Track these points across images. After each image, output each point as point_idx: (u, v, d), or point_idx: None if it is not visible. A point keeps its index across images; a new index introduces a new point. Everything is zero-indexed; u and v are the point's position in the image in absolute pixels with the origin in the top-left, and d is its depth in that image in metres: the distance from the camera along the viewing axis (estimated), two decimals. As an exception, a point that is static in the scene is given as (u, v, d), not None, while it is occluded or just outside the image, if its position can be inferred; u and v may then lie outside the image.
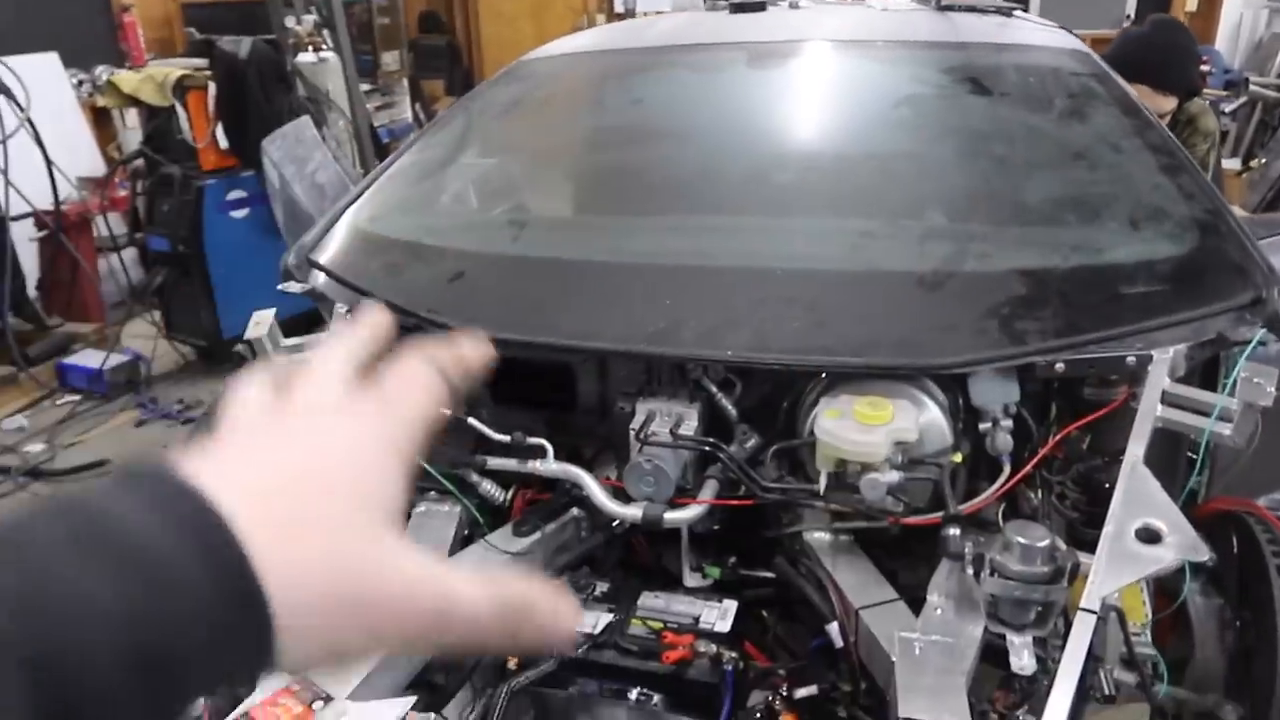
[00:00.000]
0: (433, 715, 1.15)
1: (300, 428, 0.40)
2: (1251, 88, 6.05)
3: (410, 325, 1.65)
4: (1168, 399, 1.35)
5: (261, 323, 1.74)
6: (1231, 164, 5.74)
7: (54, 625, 0.29)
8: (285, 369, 0.44)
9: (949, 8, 2.48)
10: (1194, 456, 1.48)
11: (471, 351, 0.48)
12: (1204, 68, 5.36)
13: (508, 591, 0.40)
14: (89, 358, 4.26)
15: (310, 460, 0.38)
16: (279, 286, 1.86)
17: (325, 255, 1.87)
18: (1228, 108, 5.85)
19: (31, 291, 4.56)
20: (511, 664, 1.38)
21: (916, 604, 1.34)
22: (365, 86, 5.74)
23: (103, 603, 0.30)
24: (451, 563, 0.44)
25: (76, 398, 4.16)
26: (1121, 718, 1.37)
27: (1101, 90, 1.99)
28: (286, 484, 0.36)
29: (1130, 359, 1.37)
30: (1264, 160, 5.49)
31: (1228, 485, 1.70)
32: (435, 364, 0.45)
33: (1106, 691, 1.21)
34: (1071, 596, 1.26)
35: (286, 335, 1.83)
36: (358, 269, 1.80)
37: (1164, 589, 1.49)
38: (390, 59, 6.46)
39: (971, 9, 2.51)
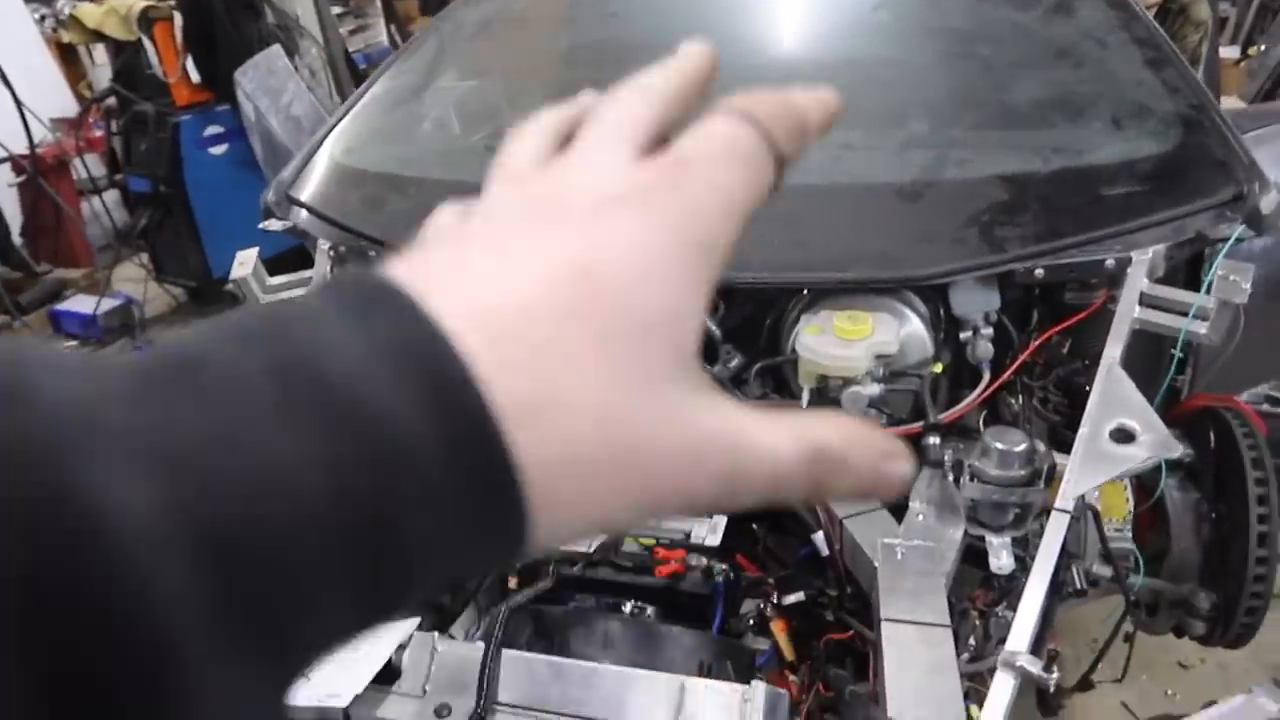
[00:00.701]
0: (436, 634, 1.20)
1: (562, 217, 0.29)
2: (1250, -30, 5.87)
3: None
4: (1145, 300, 1.36)
5: (245, 263, 1.74)
6: (1230, 52, 5.62)
7: (238, 494, 0.21)
8: (568, 119, 0.34)
9: (930, -99, 2.39)
10: (1177, 354, 1.50)
11: (813, 106, 0.34)
12: (1200, -50, 5.19)
13: (819, 438, 0.31)
14: (81, 303, 4.25)
15: (575, 269, 0.27)
16: (260, 225, 1.86)
17: (305, 191, 1.85)
18: (1225, -8, 5.68)
19: (17, 239, 4.52)
20: (511, 583, 1.43)
21: (900, 512, 1.38)
22: (336, 10, 5.58)
23: (306, 471, 0.22)
24: (751, 409, 0.30)
25: (72, 344, 4.18)
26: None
27: (1086, -18, 1.94)
28: (542, 304, 0.26)
29: (1109, 262, 1.38)
30: (1263, 47, 5.37)
31: (1211, 382, 1.72)
32: (757, 122, 0.31)
33: (1079, 586, 1.26)
34: (1050, 497, 1.30)
35: (273, 274, 1.84)
36: (338, 203, 1.79)
37: (1143, 485, 1.53)
38: (361, -21, 6.27)
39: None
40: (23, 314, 4.18)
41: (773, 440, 0.30)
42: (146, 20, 3.95)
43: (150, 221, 4.17)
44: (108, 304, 4.20)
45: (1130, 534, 1.49)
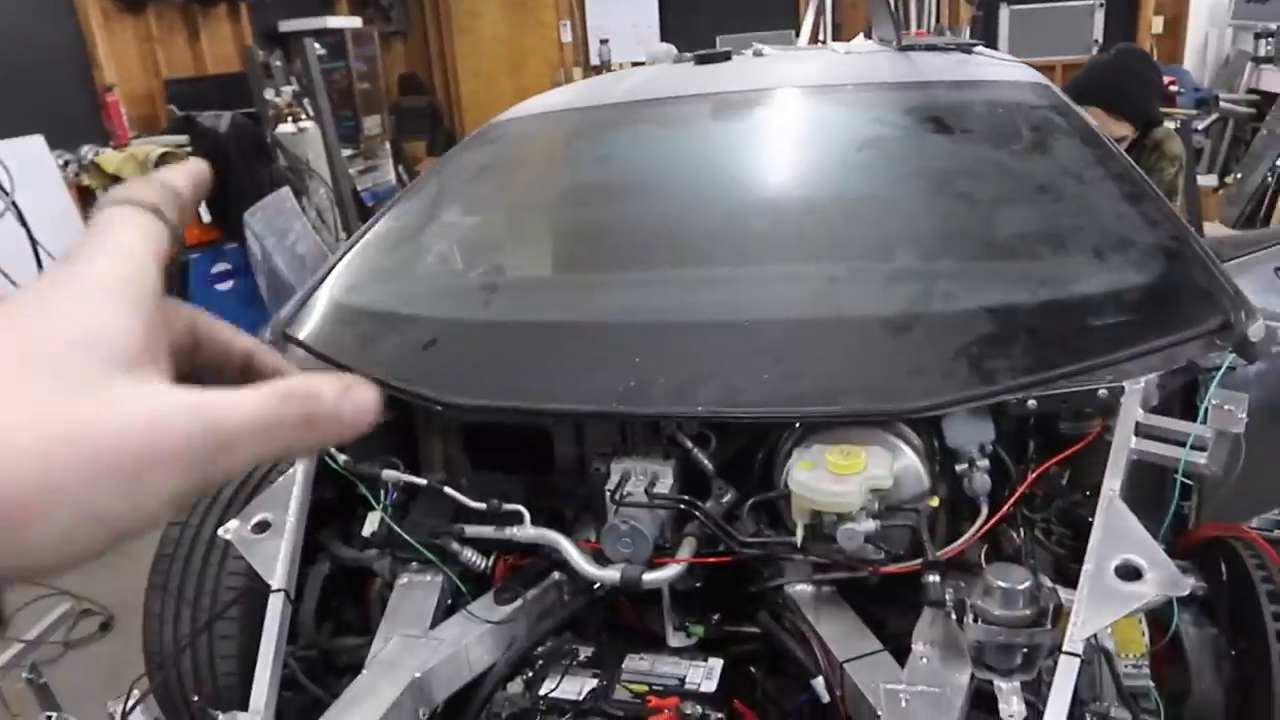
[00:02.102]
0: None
1: None
2: (1221, 104, 6.14)
3: (387, 396, 1.66)
4: (1141, 430, 1.34)
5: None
6: (1208, 180, 5.81)
7: None
8: None
9: (910, 48, 2.52)
10: (1186, 481, 1.46)
11: (185, 179, 0.43)
12: (1173, 88, 5.44)
13: (282, 385, 0.36)
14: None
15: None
16: (255, 363, 1.87)
17: (301, 329, 1.87)
18: (1200, 125, 5.93)
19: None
20: (494, 739, 1.36)
21: (905, 652, 1.32)
22: (348, 152, 5.81)
23: None
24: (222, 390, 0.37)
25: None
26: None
27: (1062, 121, 2.01)
28: None
29: (1102, 391, 1.37)
30: (1239, 175, 5.55)
31: (1219, 507, 1.68)
32: (144, 204, 0.41)
33: (1095, 740, 1.19)
34: (1059, 636, 1.25)
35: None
36: (333, 342, 1.81)
37: (1158, 620, 1.47)
38: (372, 123, 6.56)
39: (932, 47, 2.56)
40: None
41: (236, 397, 0.35)
42: (163, 165, 4.12)
43: (155, 356, 4.22)
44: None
45: (1148, 671, 1.42)
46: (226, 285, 4.19)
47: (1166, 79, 4.58)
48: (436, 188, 2.25)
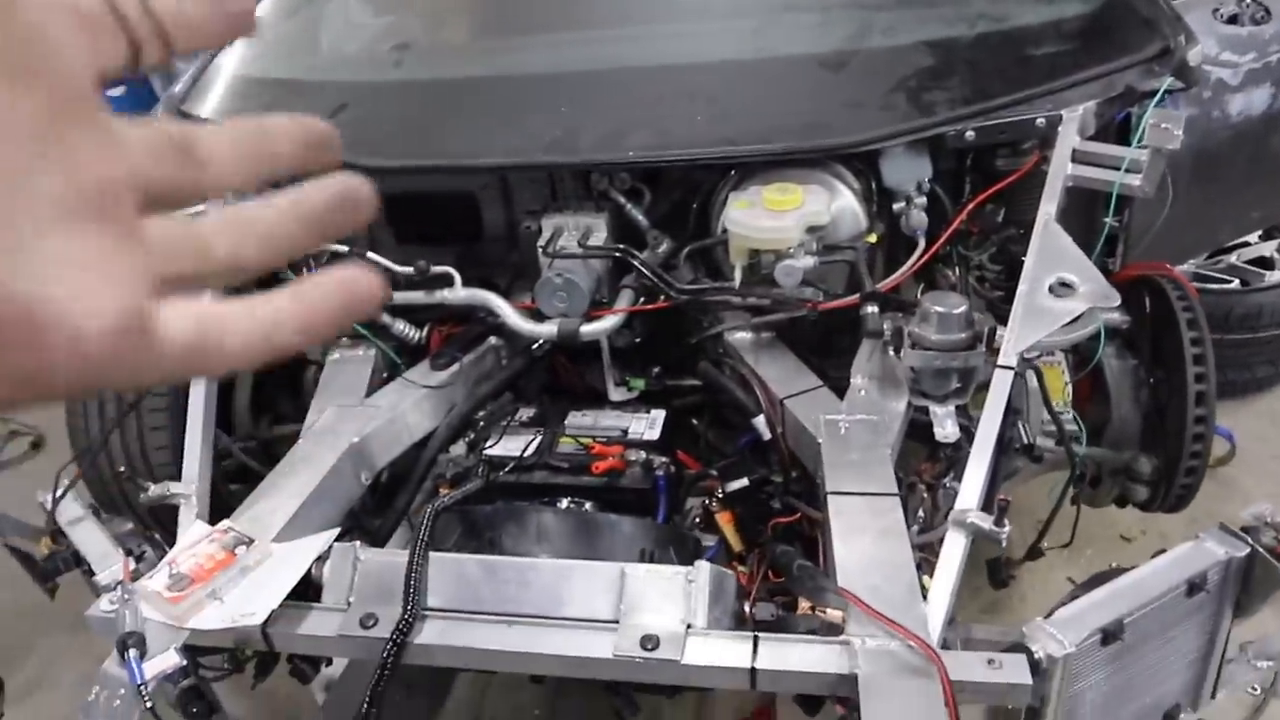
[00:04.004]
0: (357, 544, 1.13)
1: None
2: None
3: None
4: (1078, 157, 1.32)
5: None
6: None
7: None
8: None
9: None
10: (1113, 224, 1.47)
11: None
12: None
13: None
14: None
15: None
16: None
17: (198, 105, 1.73)
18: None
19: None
20: (443, 492, 1.37)
21: (843, 393, 1.34)
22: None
23: None
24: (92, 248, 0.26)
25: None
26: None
27: None
28: None
29: (1040, 120, 1.34)
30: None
31: (1141, 256, 1.71)
32: None
33: (1026, 441, 1.23)
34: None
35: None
36: (233, 114, 1.67)
37: (1081, 357, 1.51)
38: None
39: None
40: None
41: (92, 299, 0.24)
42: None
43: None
44: None
45: (1073, 415, 1.48)
46: (117, 91, 3.85)
47: None
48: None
